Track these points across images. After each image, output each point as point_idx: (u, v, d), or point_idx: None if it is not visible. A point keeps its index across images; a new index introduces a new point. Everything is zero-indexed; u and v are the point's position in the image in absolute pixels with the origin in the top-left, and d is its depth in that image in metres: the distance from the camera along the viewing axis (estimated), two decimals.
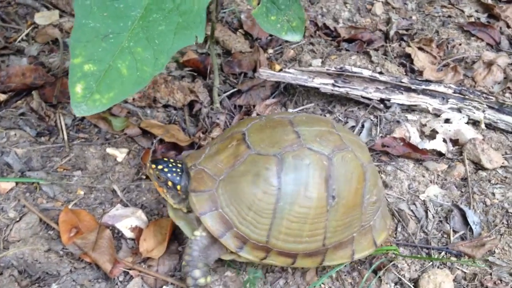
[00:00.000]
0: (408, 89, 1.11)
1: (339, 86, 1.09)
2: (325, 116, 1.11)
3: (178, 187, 0.76)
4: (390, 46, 1.33)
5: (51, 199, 0.86)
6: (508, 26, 1.42)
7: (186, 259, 0.73)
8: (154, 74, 0.73)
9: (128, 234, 0.82)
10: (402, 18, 1.46)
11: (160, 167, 0.77)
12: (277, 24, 0.93)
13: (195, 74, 1.19)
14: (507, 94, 1.23)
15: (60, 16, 1.33)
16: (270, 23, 0.93)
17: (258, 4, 0.92)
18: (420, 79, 1.13)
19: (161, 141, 0.99)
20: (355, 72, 1.10)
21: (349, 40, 1.35)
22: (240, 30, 1.37)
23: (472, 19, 1.46)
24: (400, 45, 1.34)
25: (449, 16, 1.46)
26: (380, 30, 1.41)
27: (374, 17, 1.46)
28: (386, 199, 0.91)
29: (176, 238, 0.83)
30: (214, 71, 1.09)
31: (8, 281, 0.72)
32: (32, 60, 1.16)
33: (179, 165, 0.79)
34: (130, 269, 0.76)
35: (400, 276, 0.81)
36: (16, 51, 1.19)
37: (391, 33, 1.38)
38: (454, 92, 1.11)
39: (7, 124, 0.99)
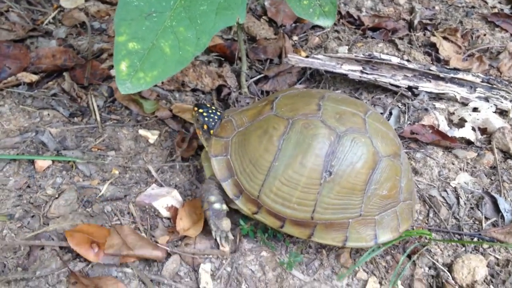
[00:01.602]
0: (437, 77, 1.10)
1: (367, 73, 1.08)
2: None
3: (211, 131, 0.81)
4: (414, 35, 1.31)
5: (87, 177, 0.86)
6: None
7: (203, 187, 0.78)
8: (196, 54, 0.72)
9: (164, 213, 0.81)
10: (425, 8, 1.45)
11: (200, 110, 0.84)
12: (309, 9, 0.92)
13: (222, 59, 1.18)
14: None
15: (86, 0, 1.32)
16: (303, 7, 0.91)
17: None
18: (448, 67, 1.12)
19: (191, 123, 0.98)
20: (384, 59, 1.08)
21: (374, 29, 1.34)
22: (264, 17, 1.36)
23: (496, 10, 1.44)
24: (424, 35, 1.33)
25: (473, 7, 1.44)
26: (404, 19, 1.39)
27: (398, 7, 1.44)
28: (416, 195, 0.88)
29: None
30: (242, 57, 1.08)
31: (50, 255, 0.72)
32: (61, 42, 1.15)
33: (218, 113, 0.84)
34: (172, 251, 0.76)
35: (434, 261, 0.81)
36: (44, 33, 1.18)
37: (415, 22, 1.36)
38: (482, 81, 1.10)
39: (40, 104, 0.98)
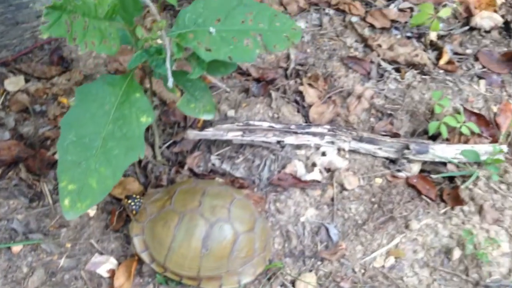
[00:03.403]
0: (295, 133, 1.43)
1: (246, 137, 1.40)
2: (239, 156, 1.42)
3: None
4: (288, 84, 1.62)
5: (49, 253, 1.17)
6: (378, 55, 1.73)
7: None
8: (114, 184, 1.02)
9: (106, 275, 1.15)
10: (300, 52, 1.73)
11: (129, 201, 1.18)
12: (195, 109, 1.22)
13: None
14: (372, 119, 1.57)
15: (26, 81, 1.53)
16: (190, 109, 1.22)
17: (181, 95, 1.20)
18: (303, 124, 1.45)
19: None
20: (257, 125, 1.40)
21: (258, 80, 1.63)
22: None
23: (352, 50, 1.75)
24: (295, 82, 1.63)
25: (334, 49, 1.74)
26: (281, 67, 1.68)
27: (277, 53, 1.72)
28: (271, 244, 1.22)
29: (138, 273, 1.17)
30: (154, 132, 1.37)
31: None
32: (13, 132, 1.39)
33: (142, 201, 1.18)
34: None
35: (283, 280, 1.19)
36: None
37: (290, 69, 1.66)
38: (329, 131, 1.44)
39: (6, 194, 1.26)
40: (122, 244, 1.21)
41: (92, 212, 1.26)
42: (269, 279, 1.19)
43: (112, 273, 1.14)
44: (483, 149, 1.41)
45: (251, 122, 1.41)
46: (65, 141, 1.01)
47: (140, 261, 1.15)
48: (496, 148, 1.34)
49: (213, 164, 1.39)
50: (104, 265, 1.15)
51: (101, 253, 1.19)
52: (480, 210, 1.31)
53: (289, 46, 1.17)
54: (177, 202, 1.10)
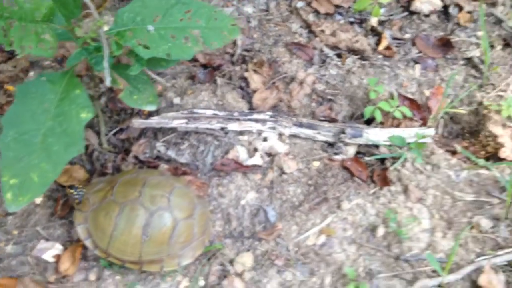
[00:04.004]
0: (238, 119, 1.48)
1: (191, 124, 1.44)
2: (185, 142, 1.46)
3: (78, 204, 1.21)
4: (233, 70, 1.65)
5: None
6: (321, 41, 1.77)
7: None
8: (54, 178, 1.05)
9: (51, 260, 1.20)
10: (246, 37, 1.76)
11: (72, 190, 1.22)
12: (138, 101, 1.25)
13: None
14: (313, 104, 1.64)
15: None
16: (133, 101, 1.25)
17: (123, 87, 1.22)
18: (246, 111, 1.50)
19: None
20: (201, 113, 1.44)
21: (205, 66, 1.66)
22: None
23: (297, 35, 1.79)
24: (241, 68, 1.67)
25: (280, 35, 1.77)
26: (227, 52, 1.71)
27: None
28: (210, 228, 1.29)
29: (84, 257, 1.22)
30: (100, 121, 1.39)
31: None
32: None
33: (84, 190, 1.22)
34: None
35: (223, 260, 1.27)
36: None
37: (236, 55, 1.69)
38: (270, 117, 1.50)
39: None
40: (68, 230, 1.25)
41: (38, 200, 1.29)
42: (209, 259, 1.27)
43: (58, 258, 1.19)
44: (412, 132, 1.51)
45: (195, 110, 1.45)
46: (7, 138, 1.03)
47: (85, 247, 1.20)
48: (418, 133, 1.43)
49: (159, 151, 1.44)
50: (50, 250, 1.19)
51: (47, 239, 1.23)
52: (405, 190, 1.42)
53: (228, 42, 1.20)
54: (118, 193, 1.15)
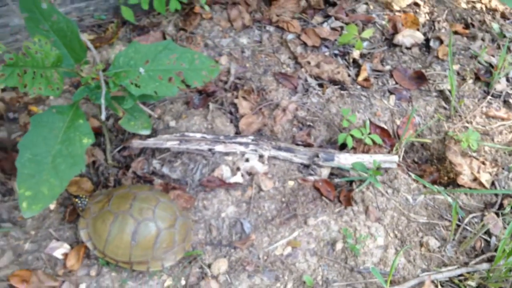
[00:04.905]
0: (224, 142, 1.69)
1: (182, 145, 1.66)
2: (177, 160, 1.68)
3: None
4: (225, 96, 1.86)
5: (17, 239, 1.45)
6: (306, 71, 1.96)
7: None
8: (61, 192, 1.28)
9: (60, 257, 1.44)
10: (240, 66, 1.96)
11: (77, 200, 1.45)
12: (135, 126, 1.48)
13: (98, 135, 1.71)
14: (294, 129, 1.83)
15: (2, 90, 1.77)
16: (131, 126, 1.47)
17: (123, 115, 1.45)
18: (231, 135, 1.71)
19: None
20: (191, 136, 1.66)
21: (200, 92, 1.87)
22: None
23: (285, 66, 1.98)
24: (232, 95, 1.88)
25: (269, 65, 1.97)
26: (221, 80, 1.92)
27: (220, 66, 1.95)
28: (191, 235, 1.53)
29: (87, 256, 1.45)
30: (106, 140, 1.62)
31: None
32: None
33: (87, 200, 1.45)
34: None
35: (202, 264, 1.49)
36: None
37: (229, 82, 1.90)
38: (252, 141, 1.70)
39: None
40: (75, 233, 1.49)
41: (52, 206, 1.53)
42: (190, 262, 1.49)
43: (66, 256, 1.43)
44: (379, 158, 1.68)
45: (186, 133, 1.66)
46: (23, 158, 1.27)
47: (87, 247, 1.44)
48: (375, 161, 1.61)
49: (154, 168, 1.66)
50: (59, 249, 1.43)
51: (58, 240, 1.47)
52: (366, 210, 1.60)
53: (208, 80, 1.41)
54: (113, 205, 1.38)
